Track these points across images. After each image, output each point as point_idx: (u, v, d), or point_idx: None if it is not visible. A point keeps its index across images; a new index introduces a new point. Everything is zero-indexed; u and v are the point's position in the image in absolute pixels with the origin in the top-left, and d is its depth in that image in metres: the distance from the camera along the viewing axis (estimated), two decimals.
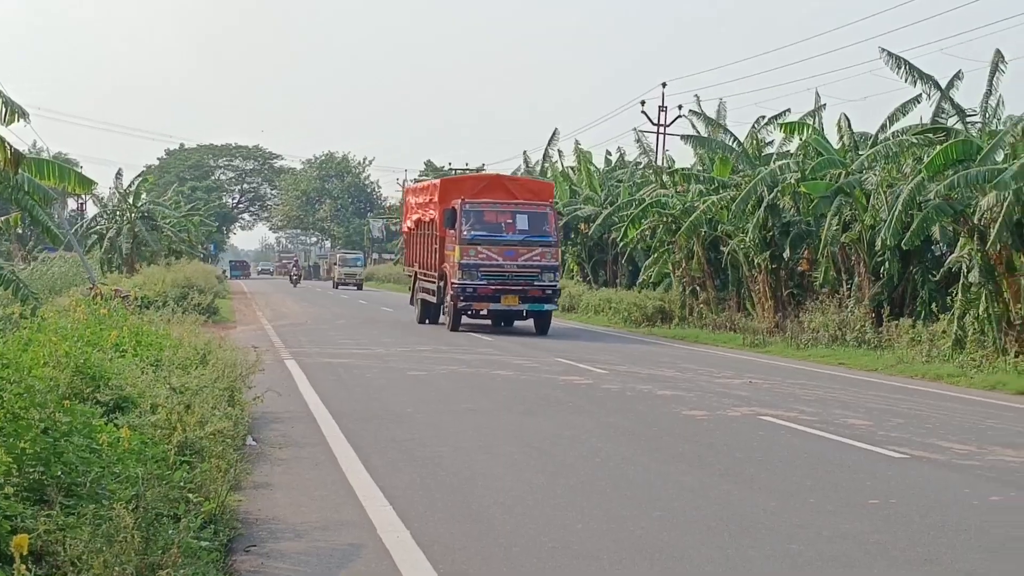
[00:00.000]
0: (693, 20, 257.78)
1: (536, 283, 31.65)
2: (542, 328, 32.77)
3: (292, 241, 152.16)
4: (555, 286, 32.46)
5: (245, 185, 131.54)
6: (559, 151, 62.80)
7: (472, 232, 31.38)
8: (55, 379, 8.95)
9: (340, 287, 78.57)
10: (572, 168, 57.49)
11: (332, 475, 10.78)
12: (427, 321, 36.03)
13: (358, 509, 9.29)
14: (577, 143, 57.92)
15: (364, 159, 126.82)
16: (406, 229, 41.70)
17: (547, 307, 32.35)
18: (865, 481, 11.15)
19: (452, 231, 31.81)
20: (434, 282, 34.49)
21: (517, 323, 34.90)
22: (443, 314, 34.20)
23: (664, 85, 56.14)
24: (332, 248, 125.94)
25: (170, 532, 6.46)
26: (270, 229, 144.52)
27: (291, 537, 8.35)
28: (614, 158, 58.55)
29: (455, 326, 32.39)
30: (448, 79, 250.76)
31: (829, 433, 14.25)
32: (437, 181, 36.15)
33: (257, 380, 14.29)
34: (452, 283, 31.81)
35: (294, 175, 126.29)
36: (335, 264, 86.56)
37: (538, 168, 64.27)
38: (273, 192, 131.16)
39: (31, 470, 6.60)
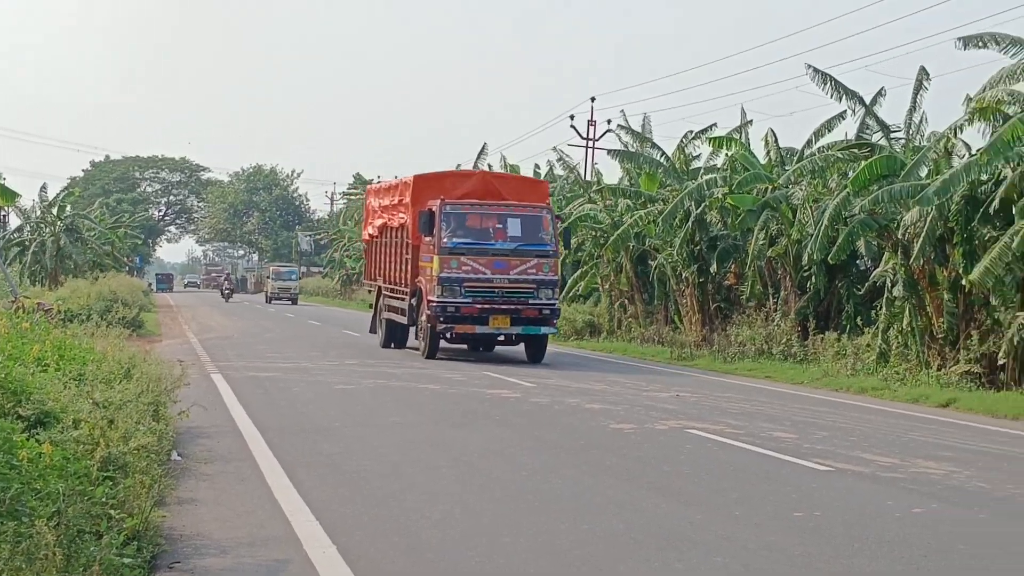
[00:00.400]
0: (624, 36, 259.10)
1: (532, 301, 26.59)
2: (536, 355, 27.80)
3: (219, 254, 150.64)
4: (554, 304, 27.33)
5: (171, 197, 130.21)
6: (488, 165, 62.87)
7: (454, 239, 26.33)
8: None
9: (274, 301, 75.25)
10: None
11: (258, 490, 10.69)
12: (392, 345, 30.89)
13: (284, 524, 9.22)
14: (503, 157, 58.07)
15: (292, 172, 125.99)
16: (367, 237, 35.10)
17: (544, 330, 27.28)
18: (790, 494, 11.24)
19: (429, 238, 26.70)
20: (404, 299, 29.09)
21: (499, 348, 30.47)
22: (417, 338, 28.76)
23: (593, 100, 56.66)
24: (260, 261, 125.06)
25: (92, 549, 6.39)
26: (197, 242, 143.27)
27: (216, 553, 8.26)
28: (543, 172, 58.70)
29: (432, 352, 27.25)
30: (377, 92, 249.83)
31: (755, 446, 14.35)
32: (410, 178, 29.57)
33: (183, 394, 14.10)
34: (429, 301, 26.46)
35: (221, 187, 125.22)
36: (268, 277, 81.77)
37: None
38: (200, 205, 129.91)
39: None
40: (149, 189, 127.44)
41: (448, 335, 27.50)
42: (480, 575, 7.90)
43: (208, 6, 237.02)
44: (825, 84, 28.16)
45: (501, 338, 28.09)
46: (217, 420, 15.13)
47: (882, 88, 29.17)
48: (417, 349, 28.81)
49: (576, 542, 8.93)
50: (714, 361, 28.84)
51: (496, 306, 26.49)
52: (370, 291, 35.55)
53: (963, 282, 22.16)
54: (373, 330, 33.12)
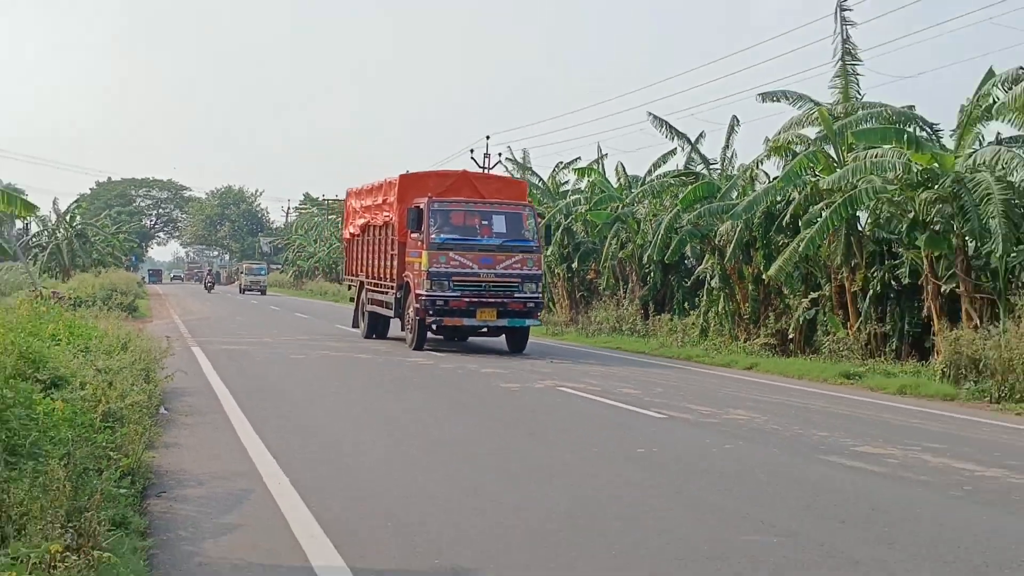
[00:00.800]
0: (512, 87, 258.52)
1: (517, 295, 21.94)
2: (518, 346, 22.88)
3: (198, 254, 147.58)
4: (538, 298, 22.50)
5: (160, 210, 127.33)
6: None
7: (442, 235, 21.63)
8: (2, 363, 8.56)
9: (246, 292, 71.51)
10: None
11: (228, 437, 10.52)
12: (374, 336, 25.94)
13: (248, 463, 9.08)
14: None
15: (256, 191, 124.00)
16: (348, 236, 29.22)
17: (528, 322, 22.48)
18: (635, 435, 11.34)
19: (417, 235, 21.91)
20: (387, 293, 24.32)
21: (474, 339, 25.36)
22: (403, 329, 23.73)
23: (488, 137, 56.72)
24: (230, 260, 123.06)
25: (95, 482, 6.24)
26: (180, 244, 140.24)
27: (194, 484, 8.12)
28: None
29: (420, 344, 22.34)
30: (317, 126, 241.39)
31: (609, 399, 14.46)
32: (395, 178, 24.16)
33: (168, 362, 13.87)
34: (418, 295, 21.71)
35: (200, 203, 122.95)
36: (242, 273, 77.05)
37: None
38: (183, 216, 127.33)
39: None
40: (143, 204, 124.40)
41: (436, 327, 22.43)
42: (400, 499, 7.85)
43: (187, 61, 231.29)
44: (662, 127, 28.48)
45: (484, 330, 22.83)
46: (196, 383, 14.85)
47: (703, 131, 29.61)
48: (399, 339, 24.63)
49: (472, 476, 8.93)
50: (579, 336, 28.98)
51: (483, 299, 21.80)
52: (350, 287, 29.65)
53: (763, 276, 22.54)
54: (356, 324, 27.58)
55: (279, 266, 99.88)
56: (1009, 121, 18.66)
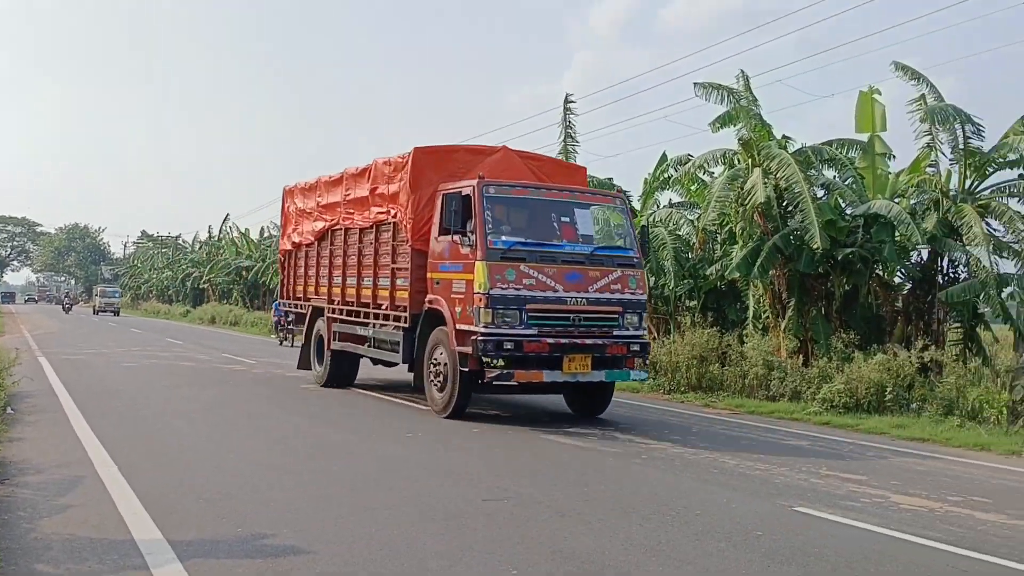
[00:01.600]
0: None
1: (617, 332, 10.95)
2: (598, 407, 12.12)
3: (48, 280, 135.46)
4: (642, 337, 11.19)
5: (15, 243, 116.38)
6: (231, 227, 60.72)
7: (504, 238, 10.63)
8: None
9: (100, 313, 59.82)
10: (235, 239, 56.51)
11: (67, 431, 9.70)
12: (335, 385, 14.78)
13: (83, 453, 8.40)
14: (232, 222, 56.57)
15: (99, 227, 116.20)
16: (289, 246, 16.63)
17: (634, 375, 11.47)
18: (405, 424, 11.25)
19: (459, 237, 10.78)
20: (377, 326, 12.93)
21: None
22: (426, 382, 11.83)
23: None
24: (75, 285, 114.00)
25: None
26: (32, 271, 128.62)
27: (34, 472, 7.45)
28: (269, 230, 56.42)
29: (459, 410, 11.24)
30: (150, 168, 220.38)
31: (388, 396, 14.26)
32: (406, 155, 11.90)
33: (16, 370, 12.68)
34: (467, 331, 10.67)
35: (50, 237, 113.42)
36: (96, 295, 64.41)
37: (217, 239, 61.83)
38: (35, 247, 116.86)
39: None
40: None
41: (500, 383, 10.97)
42: (213, 475, 7.48)
43: (36, 94, 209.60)
44: None
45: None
46: (40, 386, 13.65)
47: None
48: (365, 388, 14.99)
49: (271, 455, 8.64)
50: None
51: (573, 340, 10.77)
52: (288, 312, 18.20)
53: None
54: (304, 364, 16.00)
55: (119, 290, 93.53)
56: (676, 192, 20.04)
